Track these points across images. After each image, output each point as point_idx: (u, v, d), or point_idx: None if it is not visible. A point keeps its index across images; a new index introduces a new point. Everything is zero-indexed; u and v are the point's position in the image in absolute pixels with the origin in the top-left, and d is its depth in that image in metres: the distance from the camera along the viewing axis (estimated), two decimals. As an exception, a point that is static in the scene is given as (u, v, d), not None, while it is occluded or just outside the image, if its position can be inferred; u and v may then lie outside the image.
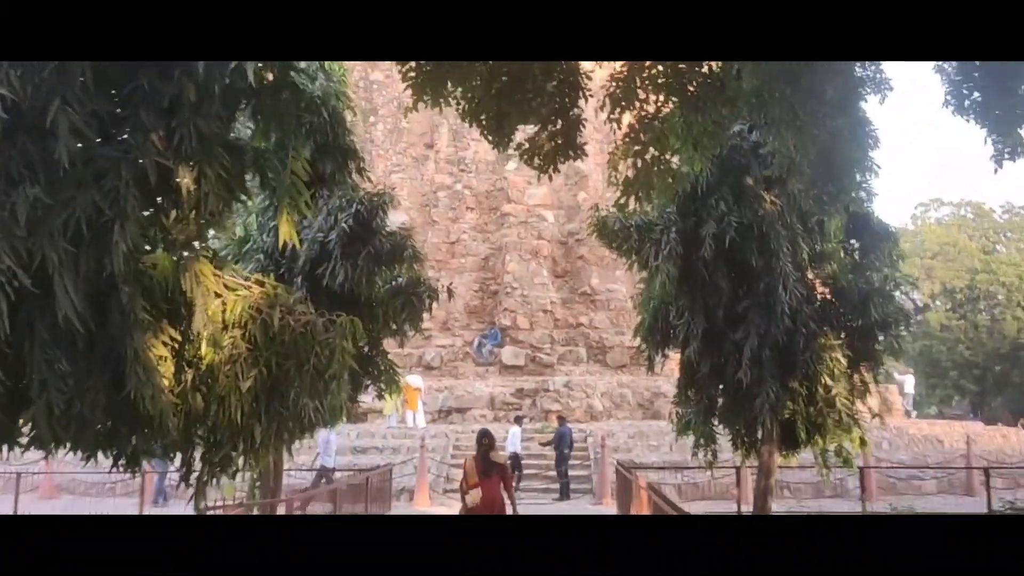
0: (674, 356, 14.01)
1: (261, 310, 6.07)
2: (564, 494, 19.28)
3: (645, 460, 20.04)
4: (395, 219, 29.87)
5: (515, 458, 19.78)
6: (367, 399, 17.63)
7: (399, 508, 18.04)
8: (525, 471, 20.09)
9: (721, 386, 12.28)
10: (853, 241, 12.47)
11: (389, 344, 13.60)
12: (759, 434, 12.56)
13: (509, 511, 10.30)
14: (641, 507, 11.74)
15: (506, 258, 28.32)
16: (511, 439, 19.96)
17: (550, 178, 8.44)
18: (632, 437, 22.43)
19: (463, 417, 25.35)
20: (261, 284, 6.29)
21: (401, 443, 22.34)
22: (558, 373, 26.62)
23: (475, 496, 9.78)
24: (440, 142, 30.08)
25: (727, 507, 16.36)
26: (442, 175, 29.85)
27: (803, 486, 17.84)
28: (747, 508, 16.10)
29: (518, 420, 21.09)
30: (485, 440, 10.23)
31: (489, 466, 9.98)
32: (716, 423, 12.64)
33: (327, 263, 10.46)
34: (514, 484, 19.26)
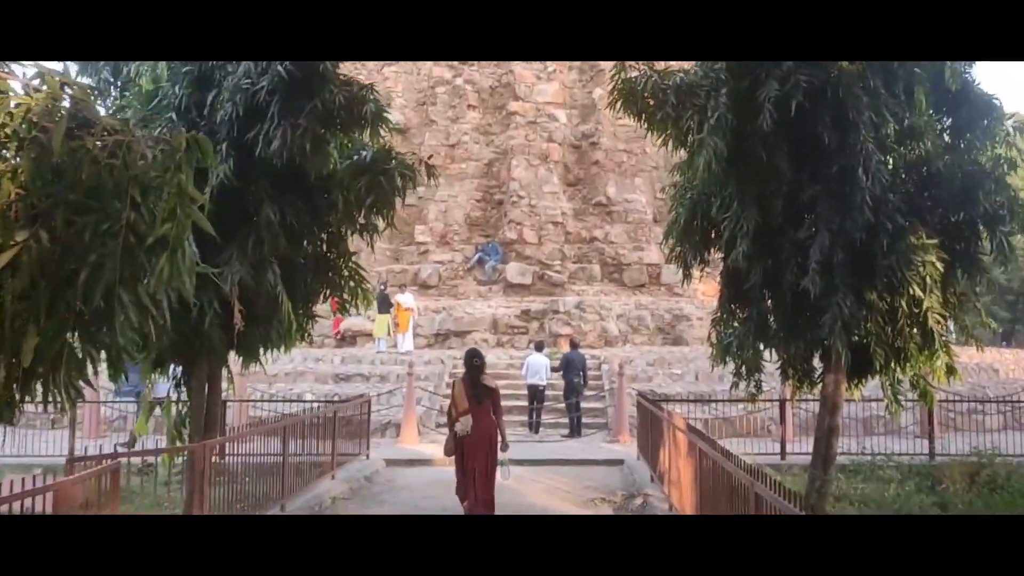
0: (700, 274, 11.42)
1: (36, 124, 3.44)
2: (575, 430, 16.75)
3: (667, 391, 17.52)
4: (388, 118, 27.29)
5: (538, 392, 17.19)
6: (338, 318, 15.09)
7: (382, 446, 15.63)
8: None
9: (773, 301, 9.64)
10: (945, 116, 9.72)
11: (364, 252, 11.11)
12: (819, 359, 9.98)
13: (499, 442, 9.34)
14: (678, 452, 9.17)
15: (512, 163, 25.52)
16: (533, 369, 17.19)
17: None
18: (652, 364, 19.88)
19: (462, 341, 22.81)
20: (40, 83, 3.60)
21: (390, 370, 19.91)
22: (569, 293, 24.04)
23: (466, 424, 9.00)
24: (439, 31, 26.98)
25: (767, 447, 13.82)
26: (441, 68, 26.82)
27: (849, 421, 15.26)
28: (793, 447, 13.58)
29: (539, 347, 18.16)
30: (476, 361, 9.31)
31: (480, 391, 9.14)
32: (763, 347, 10.08)
33: (260, 124, 7.73)
34: (537, 419, 16.90)
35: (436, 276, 25.17)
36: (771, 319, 9.85)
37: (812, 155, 8.91)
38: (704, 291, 24.71)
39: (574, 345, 18.14)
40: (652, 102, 9.23)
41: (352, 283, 9.44)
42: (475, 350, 9.82)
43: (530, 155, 25.62)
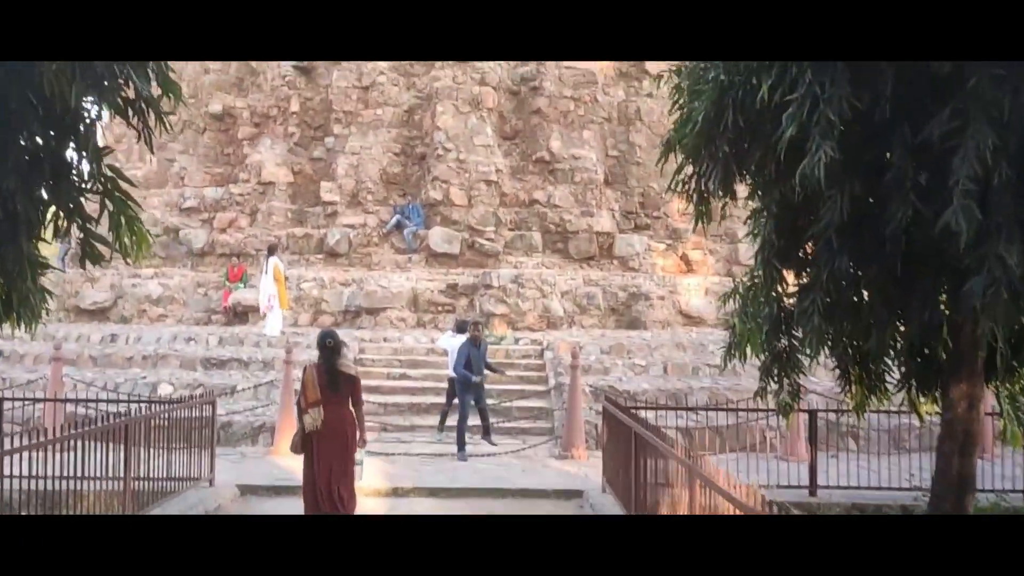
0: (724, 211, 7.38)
1: None
2: (462, 445, 12.04)
3: (631, 386, 13.60)
4: (291, 57, 22.80)
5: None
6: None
7: (248, 459, 11.43)
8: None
9: (862, 253, 5.67)
10: None
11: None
12: (916, 357, 6.05)
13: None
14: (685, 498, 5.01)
15: (437, 110, 21.25)
16: (460, 355, 12.59)
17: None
18: (607, 352, 15.92)
19: (375, 320, 18.80)
20: None
21: (276, 354, 15.61)
22: (504, 264, 19.96)
23: (316, 417, 7.79)
24: (351, -52, 22.46)
25: (779, 473, 9.82)
26: (354, -2, 22.35)
27: (876, 434, 11.48)
28: (834, 490, 9.62)
29: (460, 327, 13.46)
30: (329, 342, 8.06)
31: (335, 378, 7.94)
32: (830, 331, 6.16)
33: None
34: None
35: (346, 243, 20.87)
36: (849, 288, 5.94)
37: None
38: (664, 266, 20.93)
39: (475, 328, 13.02)
40: None
41: (112, 207, 5.15)
42: (329, 330, 8.55)
43: (459, 101, 21.39)
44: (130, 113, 5.23)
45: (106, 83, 4.90)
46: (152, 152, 5.55)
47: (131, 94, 5.04)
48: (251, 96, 22.62)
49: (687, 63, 6.66)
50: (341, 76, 21.89)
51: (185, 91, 22.80)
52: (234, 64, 23.30)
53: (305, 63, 22.19)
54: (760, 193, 6.47)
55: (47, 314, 6.08)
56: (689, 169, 6.43)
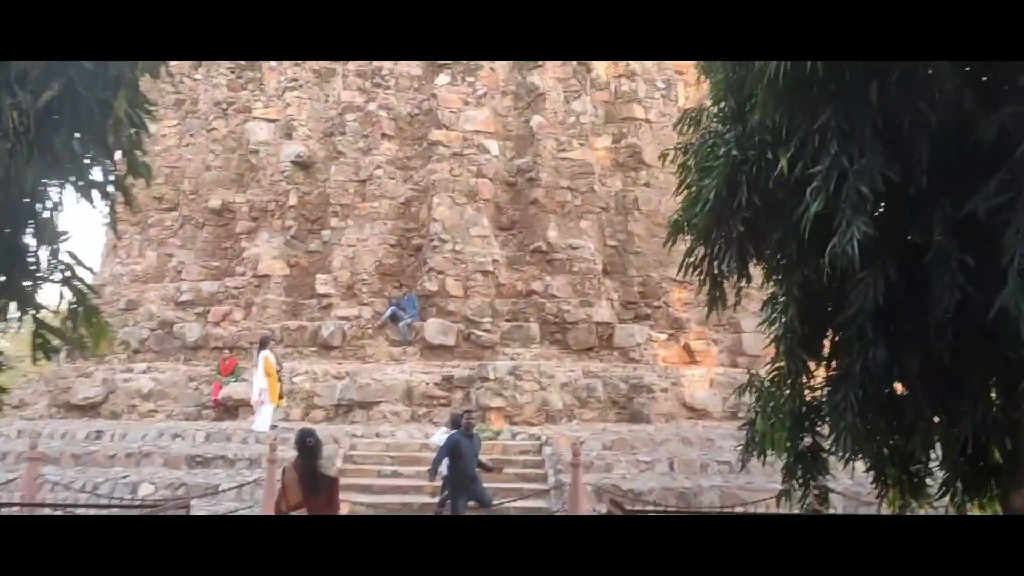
0: (737, 297, 6.86)
1: None
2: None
3: (636, 485, 12.91)
4: (289, 150, 22.71)
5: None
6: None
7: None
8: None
9: (901, 340, 5.14)
10: None
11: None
12: (993, 453, 5.44)
13: None
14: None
15: (433, 202, 20.98)
16: (444, 447, 11.61)
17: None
18: (610, 448, 15.23)
19: (368, 415, 18.21)
20: None
21: (264, 451, 14.89)
22: (501, 356, 19.39)
23: None
24: (349, 46, 22.50)
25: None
26: (351, 92, 22.34)
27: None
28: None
29: (455, 422, 12.26)
30: (309, 441, 7.68)
31: (316, 479, 7.62)
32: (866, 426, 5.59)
33: None
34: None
35: (340, 335, 20.36)
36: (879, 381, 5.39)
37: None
38: (666, 356, 20.36)
39: (465, 419, 12.09)
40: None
41: (70, 293, 4.66)
42: (308, 429, 8.00)
43: (455, 192, 21.16)
44: (96, 196, 4.80)
45: (67, 164, 4.47)
46: (117, 236, 5.10)
47: (97, 176, 4.61)
48: (250, 191, 22.44)
49: (693, 140, 6.29)
50: (339, 170, 21.68)
51: (186, 187, 23.26)
52: (235, 160, 23.17)
53: (304, 158, 22.07)
54: (779, 276, 5.99)
55: None
56: (700, 251, 5.96)
